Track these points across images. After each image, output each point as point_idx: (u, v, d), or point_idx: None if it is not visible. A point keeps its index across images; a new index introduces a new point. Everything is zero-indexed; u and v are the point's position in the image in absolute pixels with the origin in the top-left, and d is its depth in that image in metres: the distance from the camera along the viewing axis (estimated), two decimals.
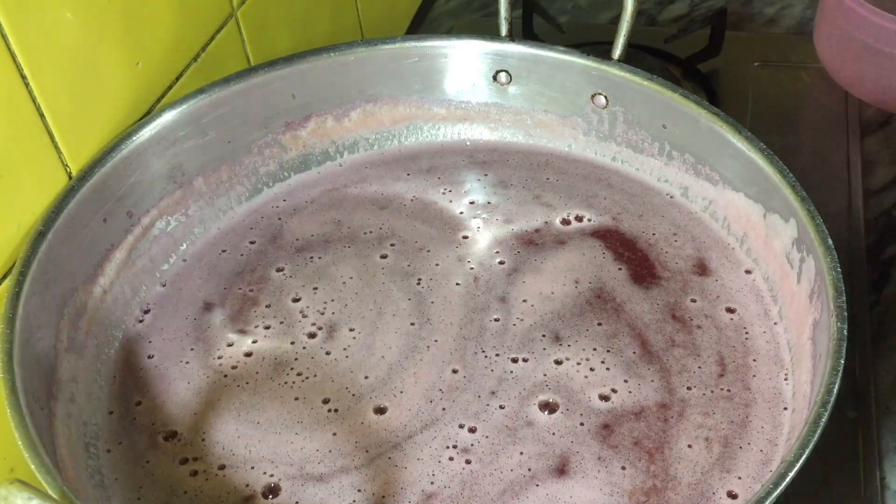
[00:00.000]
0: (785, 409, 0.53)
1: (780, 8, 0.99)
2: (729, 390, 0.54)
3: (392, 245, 0.64)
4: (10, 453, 0.51)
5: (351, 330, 0.58)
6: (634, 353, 0.56)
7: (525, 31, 0.91)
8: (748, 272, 0.61)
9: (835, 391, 0.45)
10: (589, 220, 0.65)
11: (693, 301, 0.59)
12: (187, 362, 0.57)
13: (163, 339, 0.58)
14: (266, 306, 0.60)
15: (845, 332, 0.48)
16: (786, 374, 0.55)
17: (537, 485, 0.50)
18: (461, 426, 0.53)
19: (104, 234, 0.58)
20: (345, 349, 0.57)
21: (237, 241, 0.65)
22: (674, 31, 0.92)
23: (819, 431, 0.44)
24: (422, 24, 1.00)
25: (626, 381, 0.55)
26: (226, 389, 0.56)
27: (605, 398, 0.54)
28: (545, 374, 0.55)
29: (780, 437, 0.52)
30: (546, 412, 0.53)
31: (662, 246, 0.63)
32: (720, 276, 0.60)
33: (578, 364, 0.56)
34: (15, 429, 0.45)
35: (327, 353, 0.57)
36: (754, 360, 0.56)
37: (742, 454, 0.51)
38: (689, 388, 0.54)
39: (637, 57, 0.85)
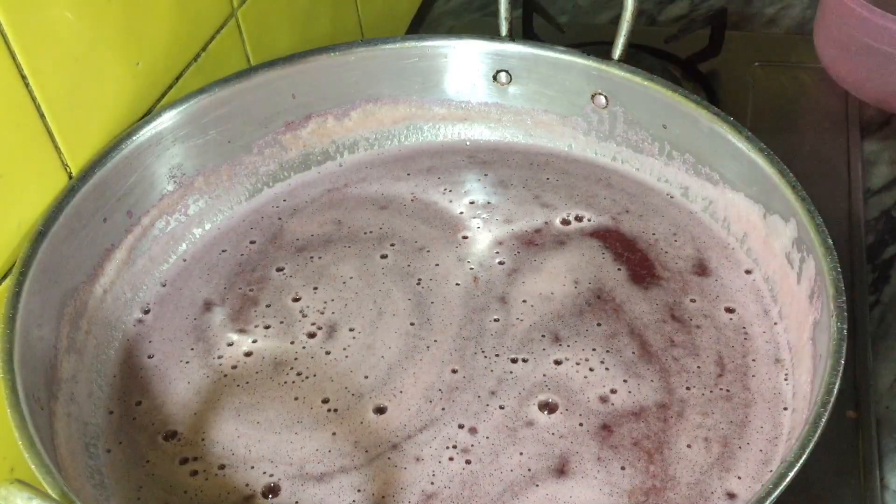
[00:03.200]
0: (785, 408, 0.53)
1: (780, 8, 0.99)
2: (728, 390, 0.54)
3: (392, 245, 0.64)
4: (10, 453, 0.51)
5: (351, 330, 0.58)
6: (633, 353, 0.56)
7: (525, 31, 0.91)
8: (748, 272, 0.61)
9: (835, 391, 0.45)
10: (589, 220, 0.65)
11: (693, 301, 0.59)
12: (187, 362, 0.57)
13: (163, 338, 0.58)
14: (266, 306, 0.60)
15: (845, 332, 0.48)
16: (786, 374, 0.55)
17: (537, 485, 0.50)
18: (461, 426, 0.53)
19: (104, 234, 0.58)
20: (344, 349, 0.57)
21: (237, 241, 0.65)
22: (674, 31, 0.92)
23: (819, 431, 0.44)
24: (422, 24, 1.00)
25: (625, 381, 0.55)
26: (226, 389, 0.56)
27: (604, 399, 0.54)
28: (545, 375, 0.55)
29: (780, 437, 0.52)
30: (546, 412, 0.53)
31: (662, 246, 0.63)
32: (720, 276, 0.60)
33: (578, 364, 0.56)
34: (15, 429, 0.45)
35: (327, 353, 0.57)
36: (754, 360, 0.56)
37: (741, 454, 0.51)
38: (688, 388, 0.54)
39: (637, 57, 0.85)
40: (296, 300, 0.60)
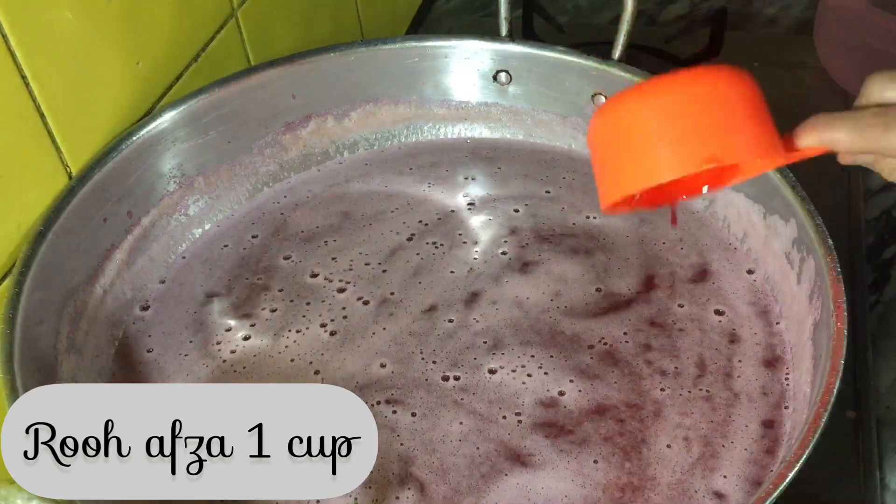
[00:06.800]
0: (785, 407, 0.53)
1: (780, 8, 0.99)
2: (708, 391, 0.54)
3: (395, 235, 0.64)
4: None
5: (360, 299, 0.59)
6: (591, 358, 0.56)
7: (525, 31, 0.91)
8: (749, 272, 0.60)
9: (835, 391, 0.45)
10: (588, 219, 0.65)
11: (681, 306, 0.59)
12: (186, 355, 0.57)
13: (162, 332, 0.59)
14: (279, 290, 0.60)
15: (845, 332, 0.48)
16: (786, 374, 0.55)
17: (506, 474, 0.50)
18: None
19: (104, 234, 0.58)
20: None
21: (239, 236, 0.65)
22: (674, 31, 0.92)
23: (819, 431, 0.44)
24: (422, 24, 1.00)
25: (571, 381, 0.54)
26: (223, 377, 0.56)
27: (550, 403, 0.53)
28: (483, 384, 0.55)
29: (767, 436, 0.52)
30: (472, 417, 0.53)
31: (664, 246, 0.62)
32: (721, 277, 0.60)
33: (516, 370, 0.55)
34: None
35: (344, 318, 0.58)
36: (740, 361, 0.55)
37: (725, 453, 0.51)
38: (662, 390, 0.54)
39: (637, 57, 0.85)
40: (314, 276, 0.61)
